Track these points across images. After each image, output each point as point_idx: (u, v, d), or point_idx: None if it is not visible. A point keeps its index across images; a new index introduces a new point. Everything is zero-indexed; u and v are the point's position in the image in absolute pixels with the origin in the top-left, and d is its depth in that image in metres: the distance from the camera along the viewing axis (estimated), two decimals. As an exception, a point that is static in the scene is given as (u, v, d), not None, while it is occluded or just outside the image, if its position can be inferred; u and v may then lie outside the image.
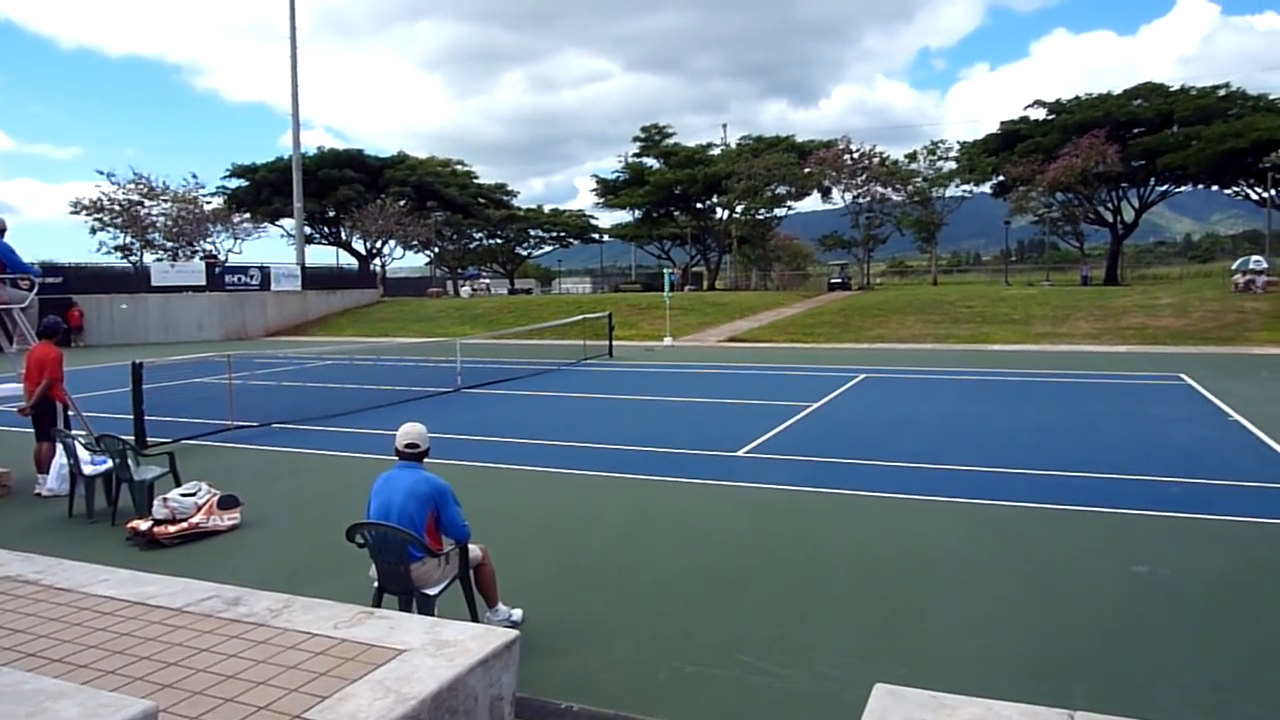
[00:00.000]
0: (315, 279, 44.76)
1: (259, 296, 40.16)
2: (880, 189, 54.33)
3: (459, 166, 69.29)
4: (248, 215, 55.17)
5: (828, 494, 9.01)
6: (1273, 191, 48.05)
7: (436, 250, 67.38)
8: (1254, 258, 39.15)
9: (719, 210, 64.34)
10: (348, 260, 61.43)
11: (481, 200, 68.24)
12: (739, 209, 59.93)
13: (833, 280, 50.35)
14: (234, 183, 60.53)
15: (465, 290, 59.80)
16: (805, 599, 6.20)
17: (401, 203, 58.62)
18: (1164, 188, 54.93)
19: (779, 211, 61.48)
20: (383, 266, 60.44)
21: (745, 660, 5.16)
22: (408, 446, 5.38)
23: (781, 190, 58.24)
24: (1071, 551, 7.10)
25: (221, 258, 48.30)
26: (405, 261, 69.46)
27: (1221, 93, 52.28)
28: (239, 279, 39.94)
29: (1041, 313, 30.71)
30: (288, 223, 56.78)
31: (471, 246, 71.86)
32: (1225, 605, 5.94)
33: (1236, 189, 52.89)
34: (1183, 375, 18.18)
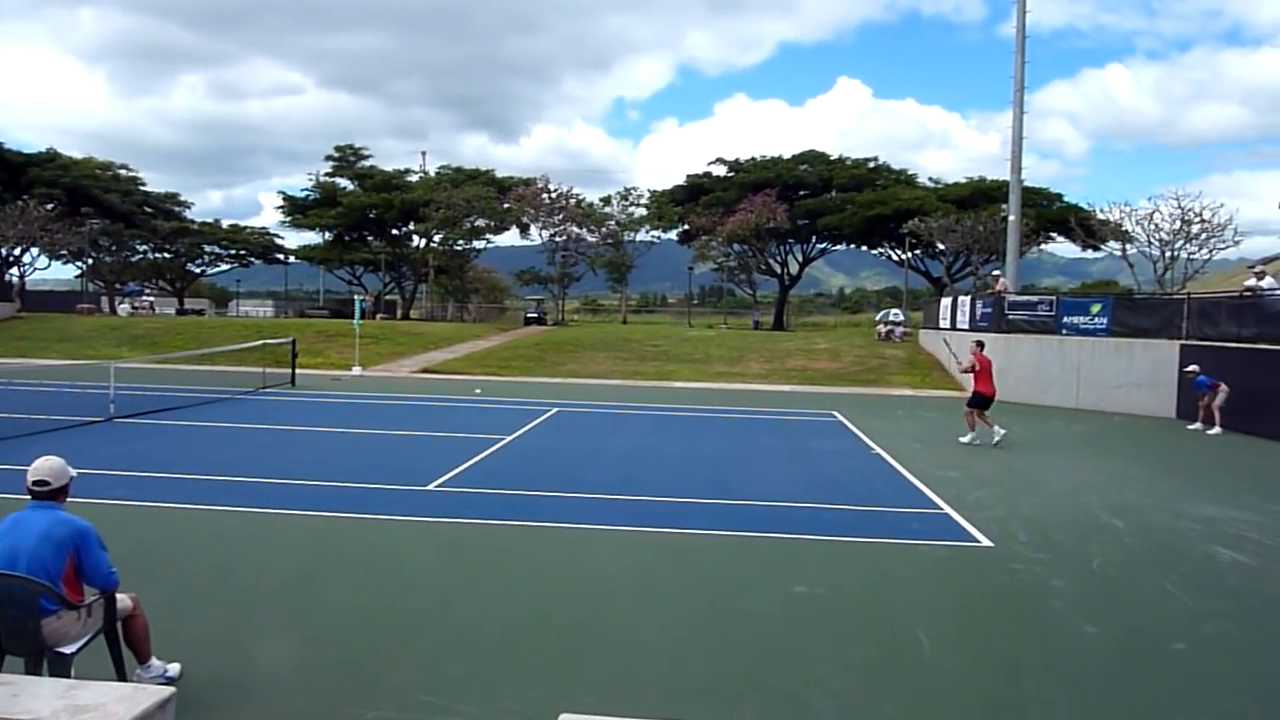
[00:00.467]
0: (-69, 287, 38.22)
1: None
2: (576, 229, 56.24)
3: (123, 171, 62.46)
4: None
5: (518, 526, 9.05)
6: (909, 254, 55.57)
7: (90, 262, 60.11)
8: (893, 311, 44.94)
9: (416, 238, 63.21)
10: (-23, 268, 53.12)
11: (148, 210, 61.86)
12: (437, 238, 59.25)
13: (529, 315, 51.20)
14: None
15: (124, 308, 53.67)
16: (492, 633, 6.15)
17: (49, 206, 51.64)
18: (823, 245, 61.83)
19: (478, 244, 61.61)
20: (22, 277, 52.78)
21: (428, 700, 5.01)
22: (38, 484, 4.69)
23: (481, 223, 58.43)
24: (741, 575, 7.67)
25: None
26: (51, 273, 61.44)
27: (871, 165, 60.05)
28: None
29: (719, 353, 33.11)
30: (-105, 219, 48.05)
31: (134, 260, 64.88)
32: (865, 618, 6.68)
33: (881, 250, 60.72)
34: (835, 412, 20.35)
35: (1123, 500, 11.21)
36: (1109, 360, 22.52)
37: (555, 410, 19.50)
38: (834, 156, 61.06)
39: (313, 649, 5.79)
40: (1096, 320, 23.39)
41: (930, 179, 59.48)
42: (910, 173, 60.38)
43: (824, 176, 58.98)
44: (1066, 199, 52.20)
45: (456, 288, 64.91)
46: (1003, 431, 15.20)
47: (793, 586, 7.29)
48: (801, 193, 58.62)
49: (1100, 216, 37.01)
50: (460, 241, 59.55)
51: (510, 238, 62.36)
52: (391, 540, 8.60)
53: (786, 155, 60.96)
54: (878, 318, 47.23)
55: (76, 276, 64.84)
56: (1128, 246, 35.74)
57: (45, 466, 4.73)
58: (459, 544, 8.49)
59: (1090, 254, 48.48)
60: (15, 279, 51.23)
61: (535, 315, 50.75)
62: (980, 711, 5.20)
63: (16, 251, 51.07)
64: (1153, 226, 33.24)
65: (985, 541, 8.89)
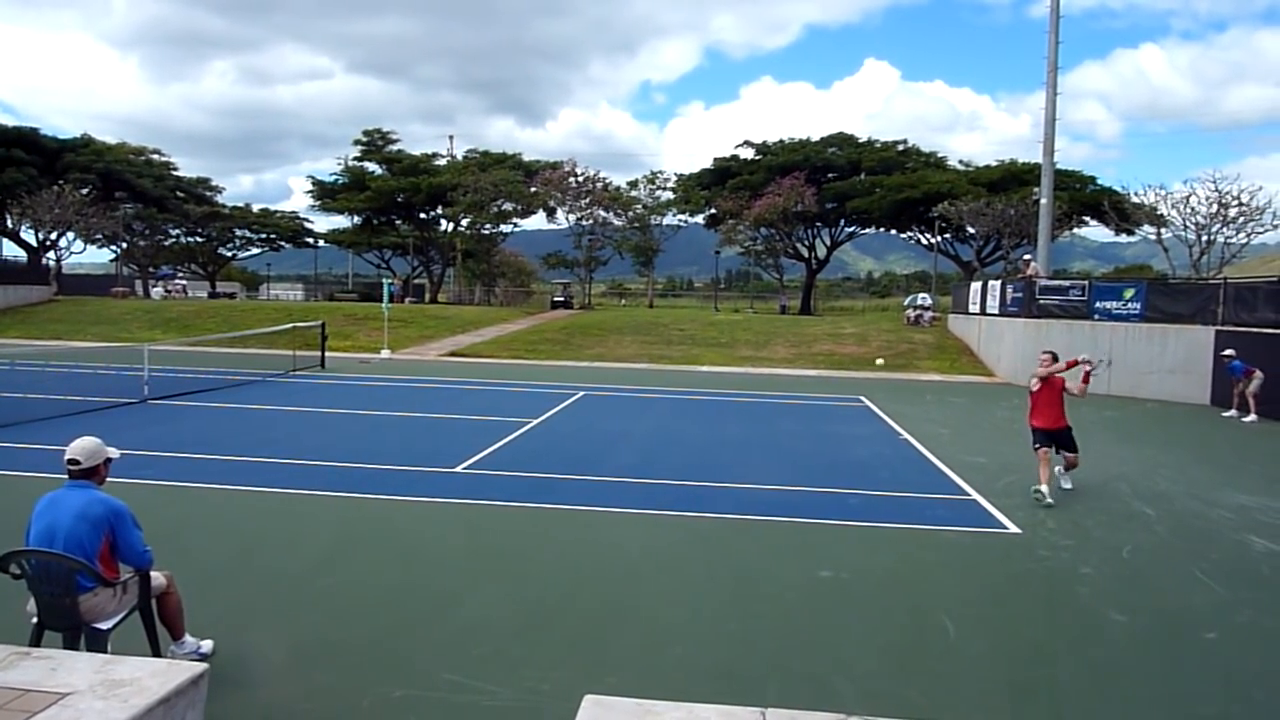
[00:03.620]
0: (-31, 271, 38.90)
1: (-106, 288, 34.25)
2: (603, 213, 56.12)
3: (155, 156, 63.05)
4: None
5: (544, 509, 9.11)
6: (939, 238, 55.01)
7: (124, 246, 60.86)
8: (921, 295, 44.51)
9: (444, 222, 63.37)
10: (15, 252, 53.95)
11: (180, 194, 62.48)
12: (465, 222, 59.37)
13: (555, 299, 51.25)
14: None
15: (157, 291, 54.39)
16: (517, 614, 6.21)
17: (84, 191, 52.28)
18: (851, 229, 61.26)
19: (505, 228, 61.60)
20: (58, 261, 53.59)
21: (454, 680, 5.08)
22: (71, 463, 4.79)
23: (508, 207, 58.45)
24: (765, 559, 7.67)
25: None
26: (86, 257, 62.34)
27: (901, 147, 59.34)
28: None
29: (745, 338, 33.02)
30: (-65, 204, 48.94)
31: (166, 244, 65.59)
32: (889, 603, 6.67)
33: (910, 233, 60.08)
34: (863, 398, 20.25)
35: (1154, 487, 11.09)
36: (1142, 346, 22.23)
37: (582, 394, 19.56)
38: (862, 139, 60.45)
39: (340, 627, 5.87)
40: (1129, 305, 23.08)
41: (960, 162, 58.70)
42: (940, 155, 59.60)
43: (852, 159, 58.41)
44: (1100, 182, 51.40)
45: (484, 271, 65.04)
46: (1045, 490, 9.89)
47: (817, 571, 7.29)
48: (830, 176, 58.12)
49: (1134, 200, 36.41)
50: (487, 225, 59.62)
51: (537, 221, 62.41)
52: (418, 521, 8.68)
53: (814, 138, 60.50)
54: (906, 302, 46.83)
55: (111, 260, 65.84)
56: (1162, 230, 35.14)
57: (79, 446, 4.83)
58: (485, 526, 8.56)
59: (1123, 238, 47.68)
60: (51, 263, 52.04)
61: (562, 299, 50.80)
62: (1005, 698, 5.19)
63: (53, 236, 51.85)
64: (1188, 210, 32.67)
65: (1013, 528, 8.84)
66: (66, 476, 4.81)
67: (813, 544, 8.16)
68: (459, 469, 10.99)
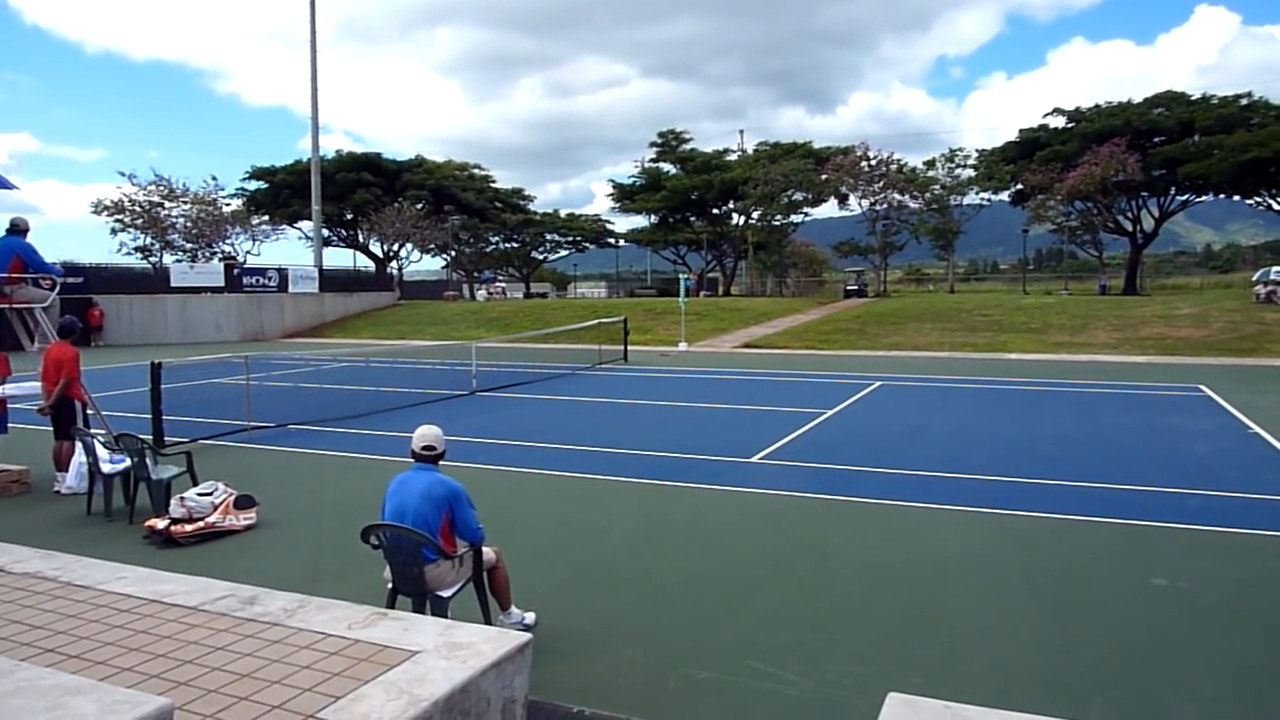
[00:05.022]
0: (332, 281, 45.02)
1: (276, 298, 40.39)
2: (897, 196, 54.12)
3: (476, 170, 69.49)
4: (266, 217, 55.61)
5: (841, 501, 8.98)
6: (1295, 202, 47.61)
7: (453, 253, 67.56)
8: (1275, 268, 38.71)
9: (735, 216, 64.27)
10: (365, 263, 61.78)
11: (498, 204, 68.39)
12: (755, 215, 59.80)
13: (849, 287, 50.22)
14: (253, 185, 60.95)
15: (481, 294, 59.89)
16: (818, 606, 6.17)
17: (419, 206, 58.82)
18: (1184, 197, 54.42)
19: (795, 218, 61.32)
20: (399, 269, 60.72)
21: (757, 667, 5.14)
22: (424, 449, 5.40)
23: (798, 197, 58.10)
24: (1088, 563, 7.05)
25: (240, 259, 48.66)
26: (422, 265, 69.66)
27: (1244, 102, 51.80)
28: (257, 280, 40.19)
29: (1059, 322, 30.52)
30: (306, 225, 57.17)
31: (488, 250, 71.99)
32: (1242, 619, 5.87)
33: (1258, 199, 52.37)
34: (1202, 386, 18.03)
35: None
36: None
37: (878, 384, 19.04)
38: (1195, 96, 53.42)
39: (649, 608, 6.15)
40: None
41: (1327, 110, 50.23)
42: (1295, 106, 51.36)
43: (1183, 120, 51.74)
44: None
45: (775, 263, 65.19)
46: None
47: (1150, 578, 6.59)
48: (1156, 140, 51.92)
49: None
50: (778, 216, 59.69)
51: (828, 209, 61.47)
52: (717, 510, 8.88)
53: (1136, 100, 54.38)
54: (1256, 277, 40.86)
55: (442, 267, 73.43)
56: None
57: (431, 434, 5.44)
58: (782, 516, 8.58)
59: None
60: (395, 271, 58.95)
61: (855, 287, 49.68)
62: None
63: (395, 247, 58.75)
64: None
65: (1405, 538, 7.47)
66: (412, 460, 5.43)
67: (1145, 548, 7.38)
68: (755, 459, 11.11)
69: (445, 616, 5.01)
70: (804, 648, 5.44)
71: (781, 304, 43.04)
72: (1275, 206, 51.70)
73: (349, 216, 60.04)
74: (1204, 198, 55.22)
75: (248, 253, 51.77)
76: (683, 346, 30.03)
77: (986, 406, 16.03)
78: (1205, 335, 27.20)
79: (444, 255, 67.53)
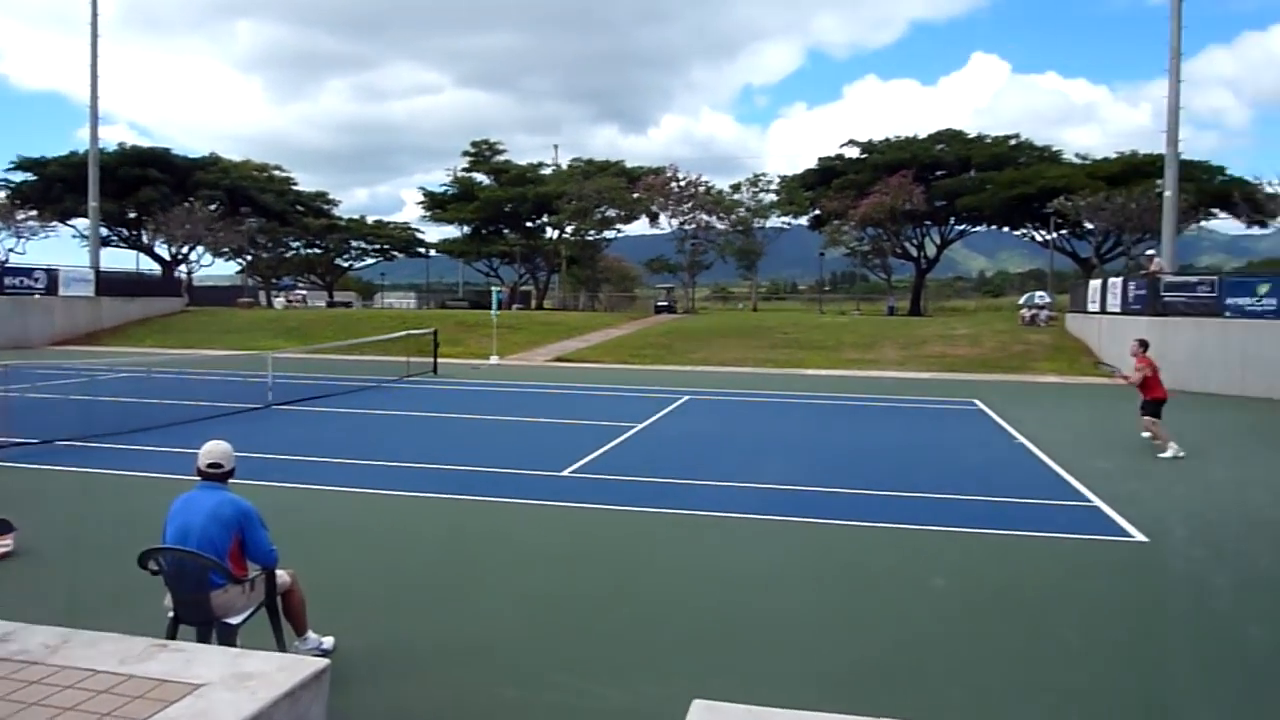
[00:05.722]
0: (112, 284, 41.42)
1: (44, 302, 36.74)
2: (705, 217, 56.09)
3: (277, 172, 66.23)
4: (34, 212, 50.54)
5: (650, 513, 9.13)
6: (1054, 234, 52.96)
7: (249, 258, 63.99)
8: (1038, 294, 42.82)
9: (549, 230, 64.50)
10: (150, 265, 57.45)
11: (300, 208, 65.41)
12: (569, 229, 60.24)
13: (659, 303, 51.44)
14: (19, 176, 55.39)
15: (280, 301, 57.05)
16: (626, 618, 6.25)
17: (212, 207, 55.27)
18: (962, 227, 59.54)
19: (608, 234, 62.29)
20: (189, 274, 56.81)
21: (564, 682, 5.14)
22: (210, 466, 5.05)
23: (611, 213, 59.04)
24: (878, 566, 7.51)
25: (1, 258, 44.04)
26: (214, 269, 65.55)
27: (1013, 142, 57.34)
28: (21, 282, 36.44)
29: (852, 340, 32.45)
30: (81, 223, 52.32)
31: (288, 256, 68.72)
32: (1009, 612, 6.44)
33: (1023, 230, 57.98)
34: (976, 401, 19.64)
35: (1296, 495, 10.40)
36: (1278, 344, 20.87)
37: (686, 398, 19.56)
38: (972, 135, 58.67)
39: (453, 628, 6.02)
40: (1264, 301, 21.69)
41: (1077, 155, 56.29)
42: (1054, 149, 57.32)
43: (962, 156, 56.71)
44: (1229, 172, 48.56)
45: (588, 277, 65.88)
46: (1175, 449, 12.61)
47: (930, 579, 7.10)
48: (938, 173, 56.61)
49: (1268, 189, 34.34)
50: (591, 232, 60.38)
51: (640, 227, 62.84)
52: (527, 524, 8.83)
53: (921, 135, 59.04)
54: (1021, 301, 45.15)
55: (237, 272, 69.39)
56: (1301, 221, 32.99)
57: (219, 450, 5.09)
58: (592, 530, 8.64)
59: (1256, 230, 45.13)
60: (184, 275, 55.12)
61: (665, 304, 50.94)
62: (1132, 715, 4.94)
63: (184, 250, 54.94)
64: (1332, 199, 30.60)
65: (1139, 537, 8.41)
66: (199, 478, 5.07)
67: (926, 551, 7.95)
68: (566, 473, 11.13)
69: (234, 645, 4.70)
70: (612, 660, 5.49)
71: (594, 318, 43.48)
72: (1038, 238, 57.36)
73: (132, 215, 55.63)
74: (979, 228, 60.60)
75: (11, 251, 46.98)
76: (494, 360, 29.73)
77: (786, 419, 16.80)
78: (979, 354, 29.69)
79: (239, 260, 63.87)
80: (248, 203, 59.70)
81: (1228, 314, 22.14)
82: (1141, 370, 13.01)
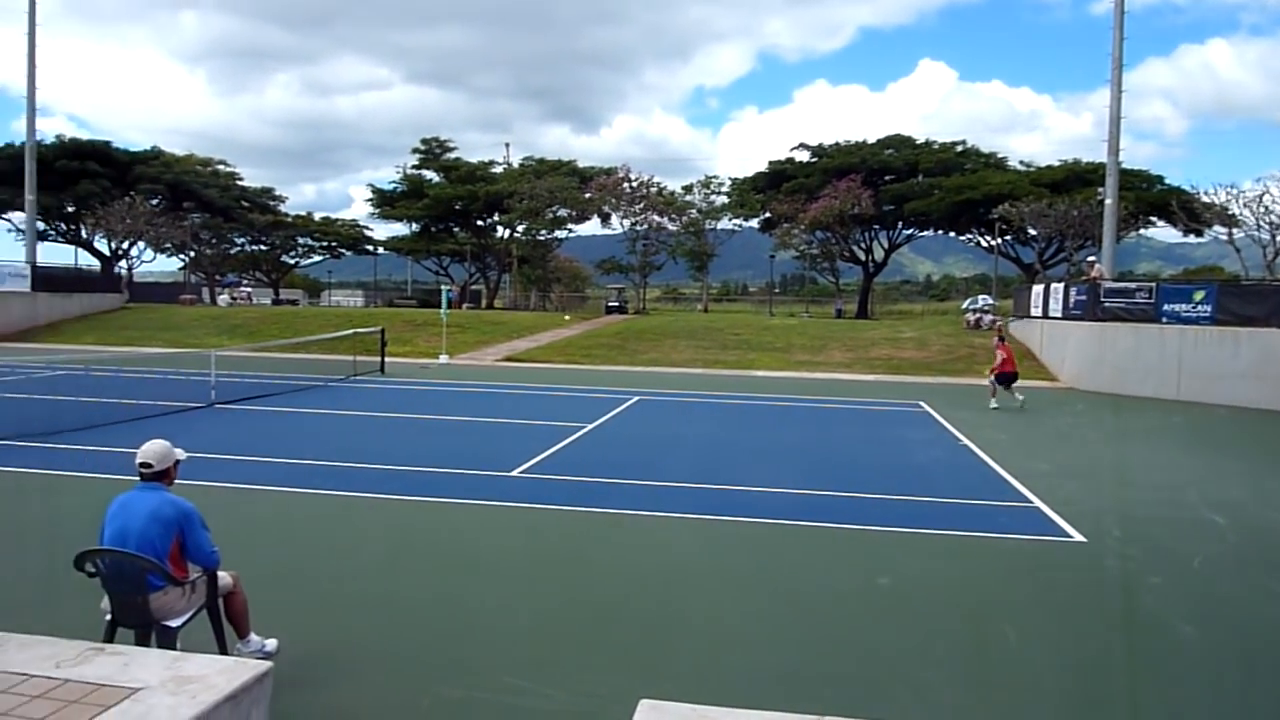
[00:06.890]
0: (48, 280, 40.26)
1: (-24, 297, 35.62)
2: (657, 218, 56.18)
3: (221, 166, 64.95)
4: (-35, 205, 48.97)
5: (598, 513, 9.14)
6: (999, 240, 54.02)
7: (192, 254, 62.64)
8: (982, 297, 43.59)
9: (500, 229, 64.08)
10: (89, 261, 55.93)
11: (245, 204, 64.20)
12: (520, 229, 59.92)
13: (610, 304, 51.41)
14: (-50, 168, 53.52)
15: (223, 298, 55.82)
16: (572, 618, 6.25)
17: (154, 201, 54.05)
18: (909, 231, 60.46)
19: (560, 233, 62.07)
20: (129, 269, 55.37)
21: (512, 682, 5.12)
22: (144, 466, 4.93)
23: (563, 213, 58.86)
24: (824, 566, 7.61)
25: (-70, 251, 42.60)
26: (156, 265, 63.86)
27: (959, 149, 58.40)
28: (-49, 276, 35.30)
29: (801, 342, 32.77)
30: (17, 216, 50.82)
31: (232, 252, 67.40)
32: (951, 610, 6.57)
33: (969, 235, 59.08)
34: (922, 403, 19.96)
35: (1226, 496, 10.75)
36: (1212, 350, 21.54)
37: (636, 399, 19.59)
38: (920, 141, 59.66)
39: (399, 629, 5.96)
40: (1199, 308, 22.37)
41: (1021, 162, 57.55)
42: (1000, 156, 58.49)
43: (910, 161, 57.62)
44: (1167, 181, 49.99)
45: (539, 277, 65.60)
46: (1021, 397, 19.13)
47: (876, 578, 7.21)
48: (887, 178, 57.42)
49: (1203, 199, 35.38)
50: (543, 231, 60.13)
51: (592, 227, 62.75)
52: (475, 525, 8.78)
53: (870, 140, 59.83)
54: (965, 305, 45.97)
55: (180, 269, 67.77)
56: (1234, 230, 34.06)
57: (151, 450, 4.96)
58: (541, 530, 8.62)
59: (1192, 239, 46.51)
60: (124, 271, 53.75)
61: (616, 304, 50.94)
62: (1069, 710, 5.07)
63: (124, 245, 53.57)
64: (1261, 209, 31.62)
65: (1077, 536, 8.63)
66: (138, 478, 4.96)
67: (871, 551, 8.07)
68: (515, 473, 11.08)
69: (174, 648, 4.60)
70: (559, 660, 5.48)
71: (545, 318, 43.33)
72: (983, 243, 58.47)
73: (71, 209, 54.11)
74: (926, 232, 61.65)
75: (-60, 244, 45.42)
76: (444, 359, 29.48)
77: (735, 420, 16.91)
78: (925, 357, 30.18)
79: (182, 256, 62.42)
80: (191, 198, 58.45)
81: (1165, 320, 22.77)
82: (1001, 358, 19.34)
